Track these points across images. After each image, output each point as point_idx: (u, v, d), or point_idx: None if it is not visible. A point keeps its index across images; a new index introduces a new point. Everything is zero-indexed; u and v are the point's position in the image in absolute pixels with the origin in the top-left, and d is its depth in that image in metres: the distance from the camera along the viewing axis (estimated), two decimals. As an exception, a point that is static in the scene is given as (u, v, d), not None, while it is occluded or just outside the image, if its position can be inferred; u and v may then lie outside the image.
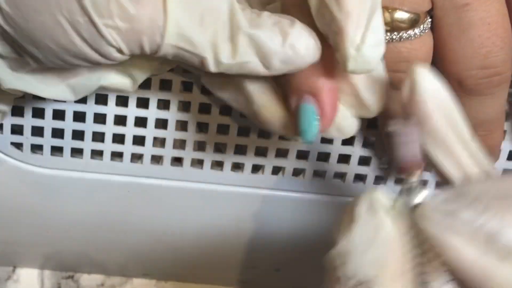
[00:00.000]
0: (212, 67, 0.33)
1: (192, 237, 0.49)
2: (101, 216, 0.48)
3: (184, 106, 0.41)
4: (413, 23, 0.35)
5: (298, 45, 0.32)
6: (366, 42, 0.31)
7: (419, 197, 0.32)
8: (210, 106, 0.41)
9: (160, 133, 0.42)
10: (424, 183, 0.32)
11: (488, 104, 0.37)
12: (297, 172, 0.44)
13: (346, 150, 0.43)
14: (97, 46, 0.32)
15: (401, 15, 0.35)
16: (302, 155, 0.43)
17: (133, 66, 0.36)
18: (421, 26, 0.35)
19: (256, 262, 0.51)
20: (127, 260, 0.52)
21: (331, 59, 0.33)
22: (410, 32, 0.35)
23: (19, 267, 0.54)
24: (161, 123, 0.42)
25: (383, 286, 0.30)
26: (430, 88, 0.32)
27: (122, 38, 0.32)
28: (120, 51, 0.32)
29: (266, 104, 0.36)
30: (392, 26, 0.35)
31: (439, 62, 0.36)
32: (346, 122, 0.36)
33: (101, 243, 0.50)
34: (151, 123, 0.42)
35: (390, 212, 0.31)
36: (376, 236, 0.30)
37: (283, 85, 0.35)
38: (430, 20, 0.36)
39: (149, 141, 0.42)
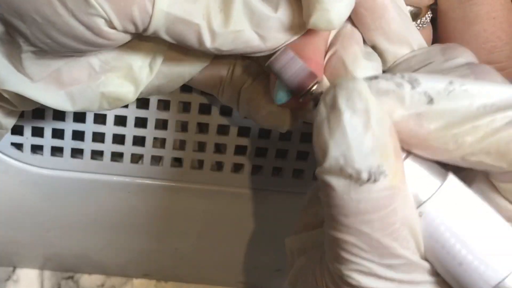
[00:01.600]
0: (208, 40, 0.31)
1: (192, 237, 0.49)
2: (101, 217, 0.48)
3: (184, 107, 0.41)
4: (414, 16, 0.35)
5: (288, 13, 0.31)
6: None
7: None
8: (210, 106, 0.41)
9: (160, 133, 0.42)
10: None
11: None
12: (297, 173, 0.44)
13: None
14: (84, 17, 0.30)
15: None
16: (302, 156, 0.43)
17: (135, 72, 0.35)
18: (419, 21, 0.36)
19: (257, 263, 0.51)
20: (127, 261, 0.52)
21: (321, 37, 0.33)
22: None
23: (19, 268, 0.54)
24: (161, 124, 0.42)
25: (392, 167, 0.28)
26: None
27: (110, 6, 0.30)
28: (110, 24, 0.30)
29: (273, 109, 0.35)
30: None
31: None
32: None
33: (101, 243, 0.50)
34: (151, 123, 0.42)
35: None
36: (369, 119, 0.28)
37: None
38: (430, 15, 0.36)
39: (149, 142, 0.42)
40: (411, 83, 0.28)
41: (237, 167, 0.44)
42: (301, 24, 0.32)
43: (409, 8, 0.35)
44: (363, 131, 0.28)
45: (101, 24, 0.30)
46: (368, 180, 0.27)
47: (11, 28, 0.31)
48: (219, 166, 0.44)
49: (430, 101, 0.28)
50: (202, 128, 0.42)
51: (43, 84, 0.34)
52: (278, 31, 0.32)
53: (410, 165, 0.29)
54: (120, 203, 0.46)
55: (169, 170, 0.44)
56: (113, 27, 0.31)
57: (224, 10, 0.31)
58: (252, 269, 0.52)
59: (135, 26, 0.31)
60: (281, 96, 0.33)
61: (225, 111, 0.41)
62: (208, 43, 0.31)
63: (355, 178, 0.28)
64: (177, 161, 0.44)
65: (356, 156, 0.27)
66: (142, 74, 0.35)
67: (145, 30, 0.31)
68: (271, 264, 0.51)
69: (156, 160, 0.44)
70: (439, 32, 0.36)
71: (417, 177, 0.29)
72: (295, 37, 0.32)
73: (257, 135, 0.42)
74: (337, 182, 0.28)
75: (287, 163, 0.43)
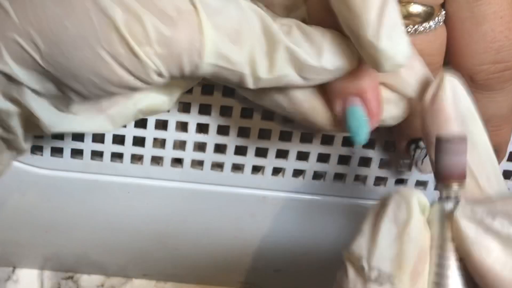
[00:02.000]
0: (251, 84, 0.33)
1: (192, 238, 0.49)
2: (101, 217, 0.48)
3: (185, 107, 0.41)
4: (428, 16, 0.35)
5: (332, 59, 0.33)
6: (382, 39, 0.31)
7: (455, 206, 0.31)
8: (210, 107, 0.41)
9: (160, 134, 0.42)
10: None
11: (498, 99, 0.37)
12: (297, 173, 0.44)
13: (346, 151, 0.43)
14: (139, 73, 0.32)
15: (416, 8, 0.35)
16: (302, 156, 0.43)
17: (170, 84, 0.36)
18: (436, 19, 0.36)
19: (256, 263, 0.51)
20: (127, 261, 0.52)
21: None
22: (425, 25, 0.35)
23: (19, 268, 0.54)
24: (162, 124, 0.42)
25: (403, 283, 0.30)
26: (453, 97, 0.33)
27: (162, 62, 0.32)
28: (160, 74, 0.32)
29: (314, 106, 0.35)
30: (407, 20, 0.35)
31: (451, 56, 0.37)
32: (392, 107, 0.35)
33: (101, 243, 0.50)
34: (151, 124, 0.42)
35: (422, 213, 0.31)
36: (403, 232, 0.30)
37: (324, 87, 0.35)
38: (444, 12, 0.36)
39: (149, 142, 0.42)
40: None
41: (237, 167, 0.44)
42: (349, 62, 0.33)
43: (422, 7, 0.35)
44: (394, 239, 0.30)
45: (153, 76, 0.32)
46: (375, 280, 0.30)
47: (62, 86, 0.33)
48: (219, 166, 0.44)
49: None
50: (202, 128, 0.42)
51: (85, 114, 0.35)
52: (323, 74, 0.33)
53: None
54: (120, 203, 0.46)
55: (169, 170, 0.44)
56: (162, 76, 0.33)
57: (268, 55, 0.33)
58: (252, 269, 0.52)
59: (182, 73, 0.33)
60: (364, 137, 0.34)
61: (225, 111, 0.41)
62: (251, 85, 0.33)
63: (365, 274, 0.30)
64: (177, 161, 0.44)
65: (376, 255, 0.30)
66: (177, 84, 0.37)
67: (192, 75, 0.33)
68: (271, 264, 0.51)
69: (156, 160, 0.44)
70: (447, 32, 0.36)
71: None
72: (341, 76, 0.33)
73: (257, 135, 0.42)
74: (351, 269, 0.31)
75: (287, 163, 0.43)
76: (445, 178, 0.32)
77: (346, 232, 0.48)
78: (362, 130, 0.34)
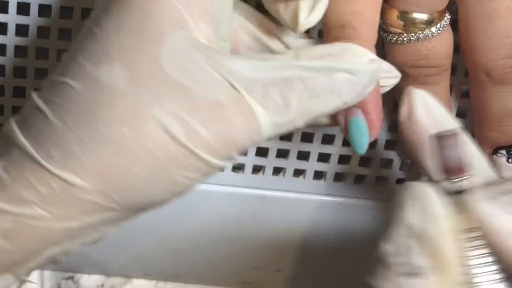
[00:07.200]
0: None
1: (193, 237, 0.49)
2: (101, 217, 0.47)
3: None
4: (429, 23, 0.36)
5: None
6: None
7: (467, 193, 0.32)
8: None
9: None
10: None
11: None
12: (297, 173, 0.44)
13: (347, 151, 0.43)
14: (207, 173, 0.33)
15: (417, 16, 0.35)
16: (302, 156, 0.43)
17: None
18: (438, 25, 0.36)
19: (257, 263, 0.51)
20: (127, 261, 0.52)
21: None
22: (427, 31, 0.36)
23: (19, 268, 0.54)
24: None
25: (435, 275, 0.30)
26: (425, 108, 0.34)
27: (226, 158, 0.33)
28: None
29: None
30: (408, 28, 0.36)
31: (466, 53, 0.37)
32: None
33: (101, 243, 0.50)
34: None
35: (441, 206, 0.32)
36: (427, 227, 0.31)
37: None
38: (448, 17, 0.36)
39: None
40: None
41: (238, 167, 0.44)
42: None
43: (423, 15, 0.35)
44: (417, 232, 0.31)
45: (219, 169, 0.34)
46: (408, 274, 0.31)
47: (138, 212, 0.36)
48: (219, 166, 0.44)
49: None
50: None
51: None
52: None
53: None
54: (120, 203, 0.46)
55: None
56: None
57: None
58: (252, 269, 0.52)
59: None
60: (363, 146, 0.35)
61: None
62: None
63: (396, 269, 0.31)
64: (178, 161, 0.44)
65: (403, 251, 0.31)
66: None
67: None
68: (271, 264, 0.51)
69: (157, 160, 0.44)
70: (460, 29, 0.37)
71: None
72: None
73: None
74: (384, 268, 0.31)
75: (288, 163, 0.43)
76: (446, 172, 0.33)
77: (346, 232, 0.48)
78: (363, 141, 0.35)
